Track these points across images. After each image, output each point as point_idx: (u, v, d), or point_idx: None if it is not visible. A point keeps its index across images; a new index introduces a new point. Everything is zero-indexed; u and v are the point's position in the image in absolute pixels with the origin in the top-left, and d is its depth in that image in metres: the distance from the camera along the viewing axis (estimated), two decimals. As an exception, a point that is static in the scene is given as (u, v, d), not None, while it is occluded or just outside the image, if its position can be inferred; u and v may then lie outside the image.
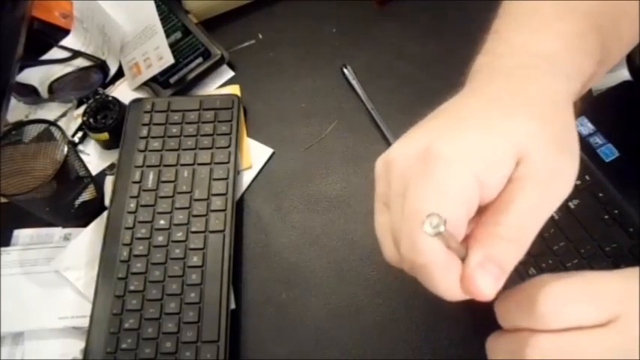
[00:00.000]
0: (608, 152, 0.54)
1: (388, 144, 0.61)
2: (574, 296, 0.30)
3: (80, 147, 0.68)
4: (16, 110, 0.70)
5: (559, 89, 0.32)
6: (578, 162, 0.30)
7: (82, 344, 0.53)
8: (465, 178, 0.28)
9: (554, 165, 0.29)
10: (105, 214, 0.60)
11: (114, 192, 0.60)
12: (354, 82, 0.66)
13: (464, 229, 0.29)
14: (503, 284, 0.29)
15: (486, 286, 0.28)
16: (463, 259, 0.29)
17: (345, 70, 0.67)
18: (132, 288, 0.54)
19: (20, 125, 0.59)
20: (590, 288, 0.30)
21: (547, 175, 0.29)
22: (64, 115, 0.70)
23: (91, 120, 0.65)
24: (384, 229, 0.33)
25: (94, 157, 0.67)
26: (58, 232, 0.62)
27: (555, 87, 0.32)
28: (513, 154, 0.29)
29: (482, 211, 0.30)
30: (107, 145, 0.67)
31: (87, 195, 0.61)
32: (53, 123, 0.59)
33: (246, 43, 0.73)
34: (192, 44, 0.69)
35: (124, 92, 0.70)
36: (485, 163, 0.29)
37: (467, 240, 0.30)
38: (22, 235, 0.63)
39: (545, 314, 0.30)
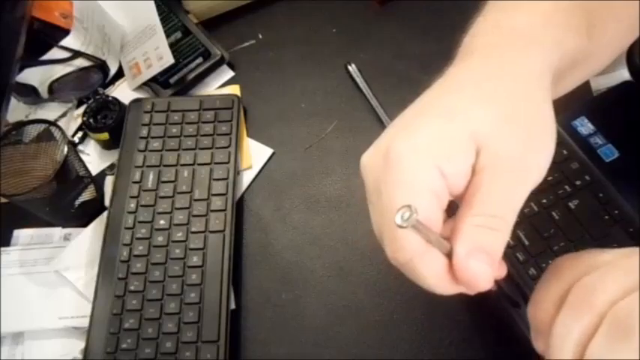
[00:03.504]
0: (608, 152, 0.54)
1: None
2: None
3: (80, 147, 0.68)
4: (16, 110, 0.70)
5: (527, 65, 0.31)
6: (551, 143, 0.30)
7: (82, 344, 0.53)
8: (425, 169, 0.28)
9: (516, 152, 0.29)
10: (105, 214, 0.60)
11: (114, 192, 0.60)
12: (358, 80, 0.66)
13: (439, 222, 0.29)
14: (495, 272, 0.29)
15: (481, 272, 0.28)
16: (448, 255, 0.29)
17: (349, 68, 0.67)
18: (132, 288, 0.54)
19: (20, 125, 0.59)
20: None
21: (509, 163, 0.29)
22: (64, 115, 0.70)
23: (91, 120, 0.65)
24: (374, 229, 0.33)
25: (94, 157, 0.67)
26: (58, 232, 0.62)
27: (522, 62, 0.31)
28: (471, 143, 0.29)
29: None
30: (107, 145, 0.66)
31: (87, 195, 0.61)
32: (53, 123, 0.59)
33: (246, 43, 0.73)
34: (192, 44, 0.69)
35: (124, 92, 0.70)
36: (443, 152, 0.29)
37: (449, 239, 0.30)
38: (22, 235, 0.63)
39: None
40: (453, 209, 0.31)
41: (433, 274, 0.29)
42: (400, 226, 0.26)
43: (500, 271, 0.31)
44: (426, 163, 0.29)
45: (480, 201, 0.29)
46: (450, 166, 0.29)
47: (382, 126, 0.62)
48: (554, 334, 0.29)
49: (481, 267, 0.28)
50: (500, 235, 0.29)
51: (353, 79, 0.67)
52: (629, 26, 0.39)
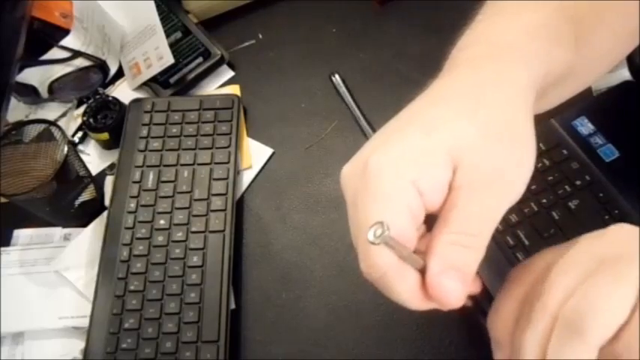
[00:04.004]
0: (609, 152, 0.54)
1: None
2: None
3: (80, 147, 0.68)
4: (16, 110, 0.70)
5: (510, 80, 0.31)
6: (530, 159, 0.30)
7: (82, 344, 0.53)
8: (399, 184, 0.28)
9: (495, 168, 0.29)
10: (105, 214, 0.60)
11: (114, 192, 0.60)
12: (341, 90, 0.66)
13: (413, 238, 0.29)
14: (468, 289, 0.29)
15: (452, 290, 0.28)
16: (421, 271, 0.29)
17: (333, 79, 0.67)
18: (132, 288, 0.54)
19: (20, 125, 0.59)
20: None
21: (487, 178, 0.29)
22: (64, 115, 0.70)
23: (91, 120, 0.65)
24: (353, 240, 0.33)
25: (94, 157, 0.67)
26: (58, 232, 0.62)
27: (505, 77, 0.31)
28: (448, 158, 0.28)
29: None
30: (107, 145, 0.66)
31: (87, 195, 0.61)
32: (53, 123, 0.59)
33: (246, 43, 0.73)
34: (192, 44, 0.69)
35: (124, 92, 0.70)
36: (419, 168, 0.28)
37: (425, 254, 0.29)
38: (22, 235, 0.63)
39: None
40: (431, 222, 0.31)
41: (406, 290, 0.29)
42: (372, 243, 0.26)
43: (475, 287, 0.31)
44: (403, 178, 0.28)
45: (455, 218, 0.29)
46: (427, 182, 0.28)
47: (366, 136, 0.62)
48: (515, 342, 0.29)
49: (453, 285, 0.28)
50: (474, 253, 0.29)
51: (337, 90, 0.66)
52: (624, 36, 0.38)
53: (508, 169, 0.29)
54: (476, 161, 0.28)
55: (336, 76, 0.67)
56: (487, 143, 0.29)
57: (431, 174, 0.29)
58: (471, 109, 0.30)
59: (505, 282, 0.32)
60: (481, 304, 0.48)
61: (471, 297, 0.32)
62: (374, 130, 0.61)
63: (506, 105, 0.30)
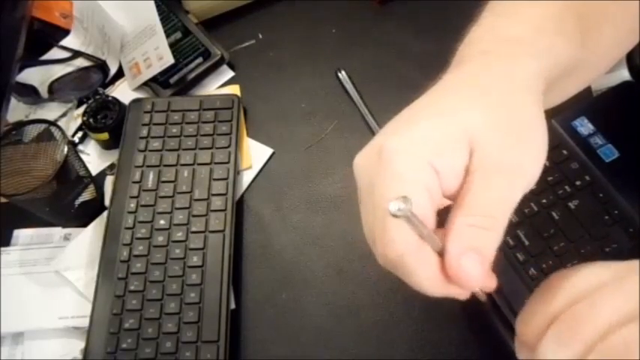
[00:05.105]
0: (609, 152, 0.54)
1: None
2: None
3: (80, 147, 0.68)
4: (16, 110, 0.70)
5: (520, 72, 0.31)
6: (542, 148, 0.30)
7: (82, 344, 0.53)
8: (418, 164, 0.29)
9: (506, 155, 0.29)
10: (105, 214, 0.60)
11: (114, 192, 0.60)
12: (348, 87, 0.66)
13: (432, 219, 0.29)
14: (487, 270, 0.29)
15: (473, 270, 0.28)
16: (440, 253, 0.29)
17: (339, 75, 0.67)
18: (132, 288, 0.54)
19: (20, 125, 0.59)
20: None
21: (501, 166, 0.29)
22: (64, 115, 0.70)
23: (91, 120, 0.65)
24: (365, 230, 0.33)
25: (94, 157, 0.67)
26: (58, 232, 0.62)
27: (516, 70, 0.31)
28: (464, 142, 0.29)
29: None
30: (107, 145, 0.66)
31: (87, 195, 0.61)
32: (53, 123, 0.59)
33: (246, 43, 0.73)
34: (192, 44, 0.69)
35: (124, 92, 0.70)
36: (436, 149, 0.29)
37: (443, 236, 0.29)
38: (22, 235, 0.63)
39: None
40: (442, 219, 0.31)
41: (426, 272, 0.29)
42: (394, 215, 0.26)
43: (491, 282, 0.31)
44: (420, 158, 0.29)
45: (472, 200, 0.29)
46: (444, 163, 0.29)
47: (372, 132, 0.62)
48: (540, 354, 0.29)
49: (473, 266, 0.28)
50: (492, 235, 0.29)
51: (344, 87, 0.66)
52: (627, 31, 0.38)
53: (521, 158, 0.29)
54: (491, 146, 0.29)
55: (343, 72, 0.67)
56: (501, 131, 0.29)
57: (448, 155, 0.29)
58: (485, 99, 0.30)
59: (546, 283, 0.31)
60: (497, 303, 0.48)
61: (488, 295, 0.32)
62: (380, 127, 0.61)
63: (518, 95, 0.31)
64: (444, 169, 0.29)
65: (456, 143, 0.29)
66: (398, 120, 0.32)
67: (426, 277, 0.29)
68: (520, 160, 0.29)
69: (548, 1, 0.34)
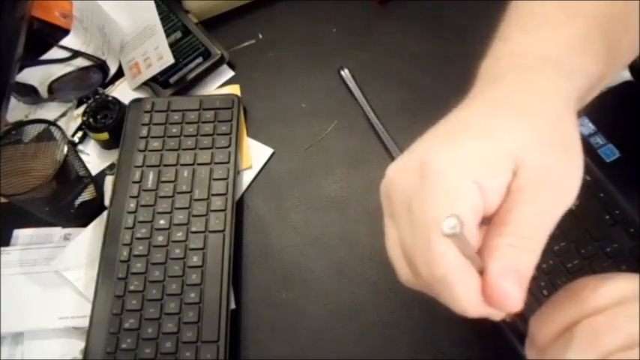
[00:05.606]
0: (609, 152, 0.54)
1: (386, 147, 0.61)
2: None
3: (80, 147, 0.68)
4: (16, 110, 0.70)
5: (557, 91, 0.32)
6: (582, 165, 0.30)
7: (82, 344, 0.53)
8: (465, 184, 0.28)
9: (552, 173, 0.29)
10: (105, 214, 0.60)
11: (114, 192, 0.60)
12: (351, 85, 0.66)
13: (475, 237, 0.29)
14: (525, 290, 0.29)
15: (512, 291, 0.28)
16: (480, 272, 0.29)
17: (342, 73, 0.67)
18: (132, 288, 0.54)
19: (20, 125, 0.59)
20: None
21: (545, 184, 0.29)
22: (64, 115, 0.70)
23: (91, 120, 0.65)
24: (394, 246, 0.32)
25: (94, 157, 0.67)
26: (58, 232, 0.62)
27: (553, 89, 0.32)
28: (510, 161, 0.29)
29: (488, 223, 0.30)
30: (107, 145, 0.66)
31: (87, 195, 0.61)
32: (53, 123, 0.59)
33: (246, 43, 0.72)
34: (192, 44, 0.69)
35: (124, 92, 0.70)
36: (482, 169, 0.29)
37: (479, 253, 0.29)
38: (22, 235, 0.63)
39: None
40: None
41: (467, 293, 0.28)
42: (447, 235, 0.26)
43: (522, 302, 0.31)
44: (468, 178, 0.29)
45: (514, 220, 0.29)
46: (489, 183, 0.29)
47: (375, 131, 0.62)
48: (552, 353, 0.29)
49: (511, 287, 0.28)
50: (532, 256, 0.29)
51: (346, 85, 0.66)
52: (636, 37, 0.38)
53: (563, 174, 0.30)
54: (535, 165, 0.29)
55: (346, 70, 0.67)
56: (547, 149, 0.29)
57: (494, 175, 0.29)
58: (528, 116, 0.30)
59: (567, 289, 0.31)
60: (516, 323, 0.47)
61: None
62: (383, 125, 0.61)
63: (559, 113, 0.31)
64: (489, 188, 0.29)
65: (501, 163, 0.29)
66: (438, 135, 0.32)
67: (468, 297, 0.29)
68: (564, 177, 0.30)
69: (577, 19, 0.35)
